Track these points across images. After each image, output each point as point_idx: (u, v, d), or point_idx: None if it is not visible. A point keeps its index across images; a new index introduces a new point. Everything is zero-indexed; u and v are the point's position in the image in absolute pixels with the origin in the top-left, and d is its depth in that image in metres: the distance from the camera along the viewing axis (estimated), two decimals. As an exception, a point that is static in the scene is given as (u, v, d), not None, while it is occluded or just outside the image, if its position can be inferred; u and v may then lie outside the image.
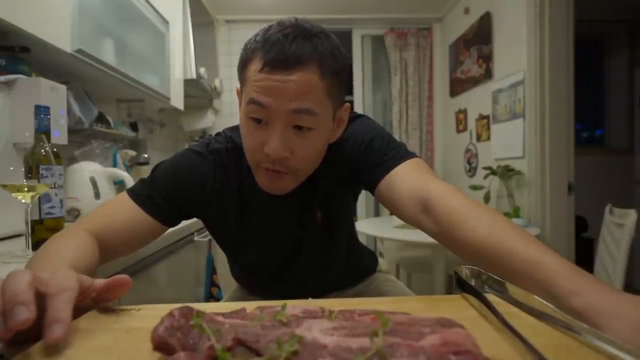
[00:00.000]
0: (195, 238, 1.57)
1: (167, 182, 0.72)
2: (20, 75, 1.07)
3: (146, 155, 2.16)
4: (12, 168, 0.76)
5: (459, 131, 3.12)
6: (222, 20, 3.34)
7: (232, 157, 0.75)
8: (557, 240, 2.12)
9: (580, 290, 0.38)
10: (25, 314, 0.30)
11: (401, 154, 0.70)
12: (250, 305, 0.37)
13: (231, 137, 0.77)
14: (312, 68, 0.59)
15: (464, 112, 3.02)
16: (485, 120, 2.68)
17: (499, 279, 0.44)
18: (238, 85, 0.70)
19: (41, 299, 0.34)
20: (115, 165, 1.75)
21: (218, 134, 0.80)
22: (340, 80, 0.64)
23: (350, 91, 3.45)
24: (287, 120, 0.61)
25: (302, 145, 0.63)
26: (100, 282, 0.41)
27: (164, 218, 0.71)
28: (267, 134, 0.62)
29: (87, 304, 0.40)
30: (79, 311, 0.38)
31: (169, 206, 0.71)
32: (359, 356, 0.25)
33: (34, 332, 0.33)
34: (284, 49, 0.58)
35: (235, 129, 0.78)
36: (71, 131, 1.40)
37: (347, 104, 0.70)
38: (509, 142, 2.38)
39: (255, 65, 0.61)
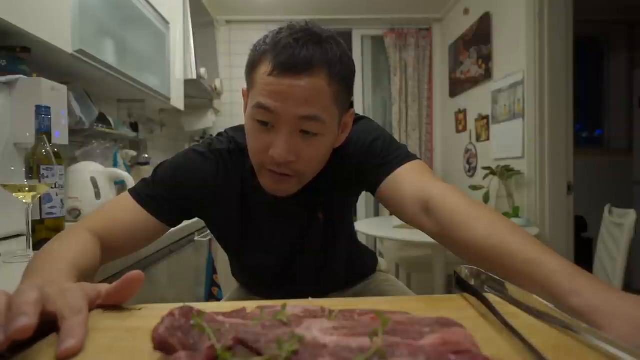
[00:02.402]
0: (196, 238, 1.58)
1: (168, 182, 0.72)
2: (21, 76, 1.07)
3: (147, 156, 2.16)
4: (13, 168, 0.76)
5: (458, 131, 3.12)
6: (223, 21, 3.34)
7: (234, 158, 0.75)
8: (557, 240, 2.12)
9: (580, 289, 0.38)
10: (24, 321, 0.30)
11: (402, 156, 0.70)
12: (251, 305, 0.37)
13: (233, 138, 0.77)
14: (321, 74, 0.59)
15: (463, 112, 3.03)
16: (484, 121, 2.68)
17: (498, 278, 0.44)
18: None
19: (47, 315, 0.34)
20: (115, 165, 1.75)
21: (220, 134, 0.80)
22: (346, 86, 0.65)
23: (350, 91, 3.45)
24: (294, 125, 0.61)
25: (308, 150, 0.63)
26: (104, 287, 0.40)
27: (166, 218, 0.71)
28: (273, 137, 0.62)
29: (92, 309, 0.40)
30: None
31: (170, 206, 0.71)
32: (358, 356, 0.25)
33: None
34: (294, 53, 0.58)
35: (238, 129, 0.78)
36: (72, 131, 1.40)
37: (352, 110, 0.71)
38: (509, 142, 2.38)
39: (264, 68, 0.60)
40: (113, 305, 0.41)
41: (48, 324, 0.35)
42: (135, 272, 0.40)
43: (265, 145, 0.63)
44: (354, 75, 0.67)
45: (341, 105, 0.65)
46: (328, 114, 0.62)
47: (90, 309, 0.39)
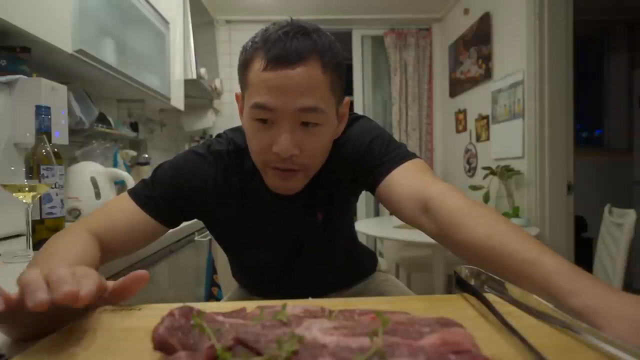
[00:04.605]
0: (196, 238, 1.58)
1: (168, 183, 0.72)
2: (21, 76, 1.08)
3: (146, 156, 2.16)
4: (13, 168, 0.76)
5: (458, 131, 3.12)
6: (222, 21, 3.34)
7: (234, 159, 0.75)
8: (557, 240, 2.12)
9: (579, 290, 0.38)
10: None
11: (402, 155, 0.70)
12: (251, 305, 0.38)
13: (232, 139, 0.77)
14: (314, 62, 0.61)
15: (463, 112, 3.03)
16: (484, 121, 2.68)
17: (498, 278, 0.44)
18: (238, 85, 0.70)
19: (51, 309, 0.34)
20: (115, 165, 1.75)
21: (219, 136, 0.80)
22: (339, 73, 0.66)
23: (350, 91, 3.45)
24: (294, 118, 0.62)
25: (310, 141, 0.64)
26: (111, 283, 0.41)
27: (165, 219, 0.71)
28: (275, 133, 0.62)
29: (98, 305, 0.40)
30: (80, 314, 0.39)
31: (169, 207, 0.71)
32: (358, 356, 0.25)
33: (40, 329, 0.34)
34: (286, 45, 0.59)
35: (237, 130, 0.79)
36: (72, 131, 1.40)
37: (347, 99, 0.72)
38: (509, 142, 2.38)
39: (258, 65, 0.61)
40: (113, 305, 0.41)
41: (49, 323, 0.36)
42: (142, 271, 0.40)
43: (267, 143, 0.63)
44: (344, 64, 0.68)
45: (337, 94, 0.66)
46: (326, 103, 0.63)
47: (97, 304, 0.40)
